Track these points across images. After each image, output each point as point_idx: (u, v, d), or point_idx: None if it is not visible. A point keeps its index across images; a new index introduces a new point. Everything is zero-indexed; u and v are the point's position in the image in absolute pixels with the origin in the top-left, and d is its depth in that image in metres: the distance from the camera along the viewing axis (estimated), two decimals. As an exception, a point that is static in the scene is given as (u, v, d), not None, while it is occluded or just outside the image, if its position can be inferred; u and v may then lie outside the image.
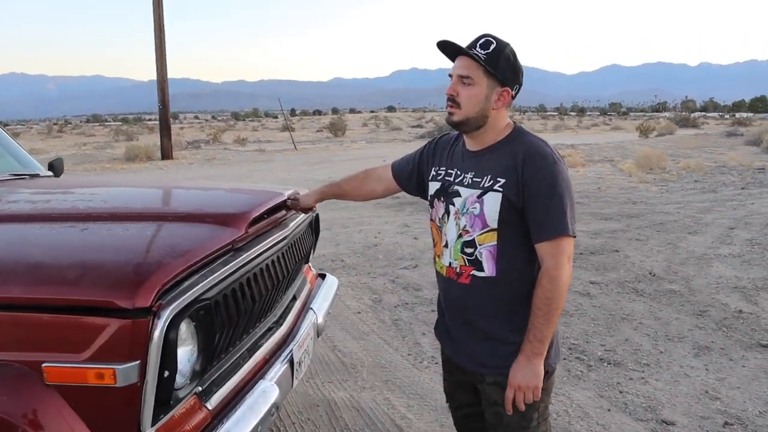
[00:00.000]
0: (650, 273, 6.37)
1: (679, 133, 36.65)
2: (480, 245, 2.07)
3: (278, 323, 2.66)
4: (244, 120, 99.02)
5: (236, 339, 2.23)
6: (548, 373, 2.10)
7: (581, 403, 3.73)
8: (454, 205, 2.14)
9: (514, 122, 2.15)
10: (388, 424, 3.52)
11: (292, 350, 2.54)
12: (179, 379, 1.81)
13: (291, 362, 2.48)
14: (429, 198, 2.30)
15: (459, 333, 2.24)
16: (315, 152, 25.91)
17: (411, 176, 2.44)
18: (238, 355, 2.28)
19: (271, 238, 2.46)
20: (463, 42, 2.09)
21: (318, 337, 3.03)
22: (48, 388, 1.65)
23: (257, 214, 2.45)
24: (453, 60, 2.10)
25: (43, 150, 27.63)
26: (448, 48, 2.09)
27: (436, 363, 4.33)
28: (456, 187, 2.15)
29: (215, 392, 2.04)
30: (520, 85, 2.10)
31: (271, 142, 35.41)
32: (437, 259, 2.26)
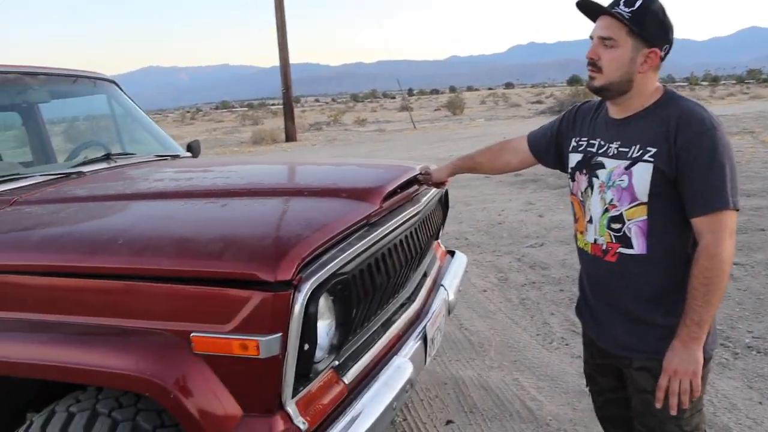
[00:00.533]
0: (805, 254, 5.82)
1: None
2: (628, 220, 1.91)
3: (410, 299, 2.64)
4: (362, 101, 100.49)
5: (371, 314, 2.22)
6: (705, 361, 1.91)
7: (727, 393, 3.45)
8: (597, 177, 1.99)
9: (664, 86, 1.97)
10: (517, 405, 3.43)
11: (425, 327, 2.51)
12: (318, 353, 1.81)
13: (424, 339, 2.45)
14: (569, 171, 2.15)
15: (604, 314, 2.10)
16: (434, 131, 25.81)
17: (548, 148, 2.31)
18: (372, 330, 2.28)
19: (404, 213, 2.43)
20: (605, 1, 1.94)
21: (449, 314, 2.98)
22: (196, 356, 1.71)
23: (391, 188, 2.42)
24: (594, 20, 1.93)
25: (178, 136, 29.22)
26: (588, 7, 1.93)
27: (567, 344, 4.18)
28: (599, 159, 2.00)
29: (351, 367, 2.05)
30: (671, 44, 1.91)
31: (390, 122, 35.65)
32: (579, 236, 2.12)
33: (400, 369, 2.13)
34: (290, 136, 23.99)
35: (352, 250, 1.93)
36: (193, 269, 1.73)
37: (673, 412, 1.89)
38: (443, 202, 3.33)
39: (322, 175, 2.96)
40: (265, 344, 1.63)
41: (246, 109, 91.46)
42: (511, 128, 23.36)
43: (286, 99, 24.42)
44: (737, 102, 41.60)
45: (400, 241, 2.38)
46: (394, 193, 2.47)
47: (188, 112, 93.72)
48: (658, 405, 1.91)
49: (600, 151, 2.00)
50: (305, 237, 1.79)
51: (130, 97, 4.14)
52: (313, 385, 1.88)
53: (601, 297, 2.09)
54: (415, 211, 2.55)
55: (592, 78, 1.92)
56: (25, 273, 1.96)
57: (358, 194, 2.29)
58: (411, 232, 2.51)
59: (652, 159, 1.85)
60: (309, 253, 1.75)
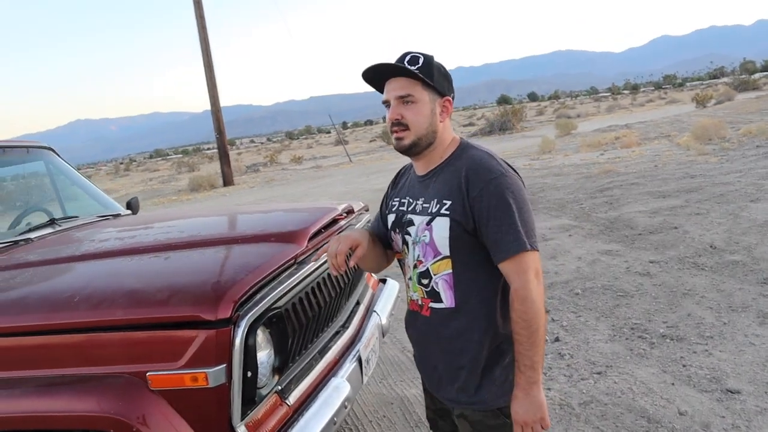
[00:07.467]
0: (711, 246, 6.36)
1: (739, 98, 35.56)
2: (435, 275, 1.95)
3: (344, 326, 2.92)
4: (298, 138, 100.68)
5: (308, 342, 2.50)
6: (505, 416, 1.93)
7: (645, 379, 3.82)
8: (409, 234, 2.02)
9: (460, 138, 2.06)
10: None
11: (359, 350, 2.79)
12: (261, 379, 2.08)
13: (359, 360, 2.73)
14: (388, 231, 2.16)
15: (426, 365, 2.12)
16: (370, 162, 26.27)
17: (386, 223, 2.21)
18: (311, 357, 2.54)
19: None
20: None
21: (383, 337, 3.27)
22: (153, 393, 1.95)
23: (315, 229, 2.72)
24: (380, 89, 2.00)
25: (114, 189, 28.91)
26: (379, 72, 1.98)
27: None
28: (409, 216, 2.03)
29: (293, 390, 2.31)
30: (454, 92, 2.03)
31: (326, 157, 35.99)
32: (407, 292, 2.15)
33: (338, 388, 2.41)
34: (227, 181, 24.07)
35: (282, 287, 2.21)
36: (144, 317, 1.99)
37: None
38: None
39: (253, 222, 3.26)
40: (213, 375, 1.90)
41: (181, 155, 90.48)
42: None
43: (220, 143, 24.52)
44: (656, 108, 43.57)
45: (328, 275, 2.67)
46: (318, 233, 2.77)
47: (122, 163, 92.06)
48: None
49: (409, 209, 2.04)
50: (239, 279, 2.08)
51: (66, 161, 4.32)
52: (260, 409, 2.13)
53: (423, 350, 2.11)
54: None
55: (400, 139, 1.94)
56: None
57: (286, 237, 2.59)
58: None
59: (448, 212, 1.89)
60: (243, 293, 2.03)
